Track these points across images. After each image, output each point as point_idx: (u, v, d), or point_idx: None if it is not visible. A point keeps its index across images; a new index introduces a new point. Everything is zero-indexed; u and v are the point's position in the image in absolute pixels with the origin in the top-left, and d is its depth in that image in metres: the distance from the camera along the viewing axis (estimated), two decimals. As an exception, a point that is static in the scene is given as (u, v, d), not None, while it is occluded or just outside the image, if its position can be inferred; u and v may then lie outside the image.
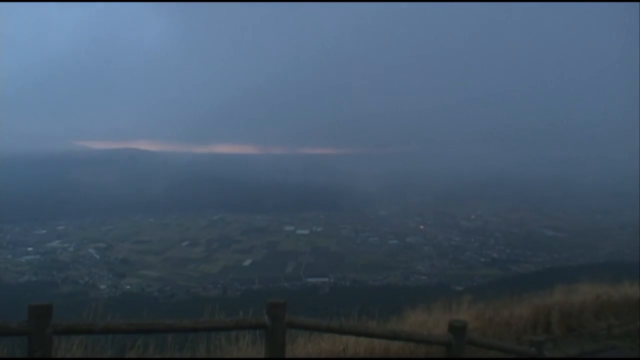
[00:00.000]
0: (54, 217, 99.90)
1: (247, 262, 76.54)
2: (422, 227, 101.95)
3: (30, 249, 78.31)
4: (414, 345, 6.28)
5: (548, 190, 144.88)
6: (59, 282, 63.89)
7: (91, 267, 71.44)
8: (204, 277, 68.61)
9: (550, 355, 7.24)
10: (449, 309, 8.03)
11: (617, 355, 8.00)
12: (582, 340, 8.86)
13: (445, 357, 4.91)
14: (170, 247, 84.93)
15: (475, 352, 6.07)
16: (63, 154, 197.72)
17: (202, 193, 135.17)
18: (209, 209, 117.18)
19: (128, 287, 63.23)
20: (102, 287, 62.60)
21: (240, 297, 54.74)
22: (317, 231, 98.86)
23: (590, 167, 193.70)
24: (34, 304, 3.31)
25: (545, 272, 56.95)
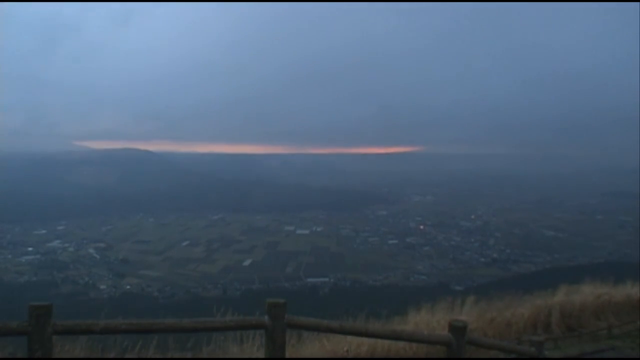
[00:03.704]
0: (54, 217, 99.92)
1: (247, 262, 76.57)
2: (422, 227, 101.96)
3: (30, 249, 78.37)
4: (415, 345, 6.28)
5: (548, 190, 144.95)
6: (59, 282, 63.96)
7: (91, 267, 71.49)
8: (204, 277, 68.67)
9: (550, 355, 7.23)
10: (449, 309, 8.02)
11: (617, 356, 7.99)
12: (583, 340, 8.85)
13: (446, 357, 4.91)
14: (170, 247, 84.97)
15: (476, 352, 6.07)
16: (63, 154, 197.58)
17: (202, 193, 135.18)
18: (208, 209, 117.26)
19: (128, 287, 63.33)
20: (102, 287, 62.68)
21: (240, 297, 54.78)
22: (317, 231, 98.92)
23: (591, 167, 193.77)
24: (34, 304, 3.30)
25: (546, 272, 57.02)
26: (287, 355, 4.14)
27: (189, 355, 5.42)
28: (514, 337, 8.13)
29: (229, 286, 64.05)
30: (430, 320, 7.43)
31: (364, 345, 6.08)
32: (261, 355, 4.84)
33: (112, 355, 4.99)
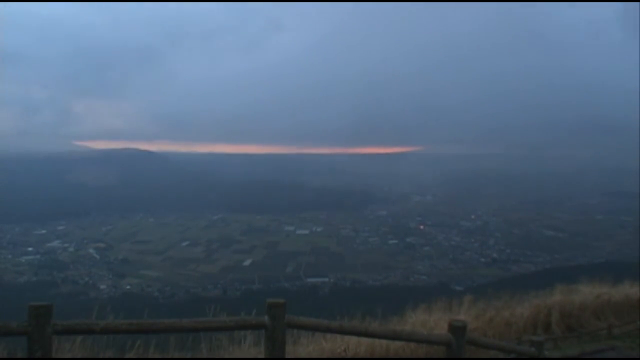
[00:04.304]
0: (54, 217, 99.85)
1: (247, 262, 76.56)
2: (422, 227, 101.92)
3: (30, 249, 78.32)
4: (414, 345, 6.29)
5: (548, 190, 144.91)
6: (59, 282, 63.94)
7: (91, 267, 71.49)
8: (204, 277, 68.65)
9: (550, 355, 7.24)
10: (449, 309, 8.03)
11: (617, 356, 7.99)
12: (582, 340, 8.86)
13: (446, 357, 4.91)
14: (171, 247, 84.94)
15: (476, 352, 6.07)
16: (63, 154, 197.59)
17: (202, 193, 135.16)
18: (209, 209, 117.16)
19: (128, 287, 63.31)
20: (102, 287, 62.67)
21: (240, 297, 54.79)
22: (317, 231, 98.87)
23: (591, 166, 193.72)
24: (34, 304, 3.31)
25: (545, 272, 56.99)
26: (287, 355, 4.14)
27: (188, 355, 5.43)
28: (514, 337, 8.14)
29: (229, 286, 64.03)
30: (428, 320, 7.43)
31: (363, 345, 6.09)
32: (261, 355, 4.84)
33: (112, 355, 5.00)
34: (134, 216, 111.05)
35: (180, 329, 3.97)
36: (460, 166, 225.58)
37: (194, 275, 69.96)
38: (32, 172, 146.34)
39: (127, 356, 5.06)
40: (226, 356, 5.38)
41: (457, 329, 4.80)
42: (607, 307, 10.15)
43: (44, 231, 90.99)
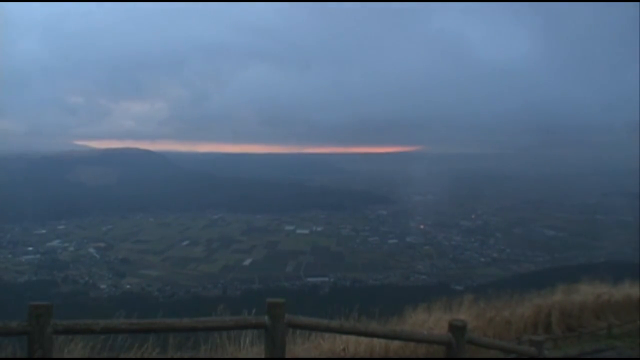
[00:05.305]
0: (54, 217, 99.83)
1: (247, 262, 76.58)
2: (422, 226, 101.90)
3: (30, 248, 78.32)
4: (414, 344, 6.29)
5: (548, 190, 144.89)
6: (59, 281, 63.98)
7: (91, 266, 71.51)
8: (204, 277, 68.69)
9: (550, 355, 7.24)
10: (449, 308, 8.02)
11: (617, 355, 7.99)
12: (582, 340, 8.86)
13: (445, 357, 4.91)
14: (171, 247, 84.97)
15: (476, 351, 6.07)
16: (63, 153, 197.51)
17: (202, 193, 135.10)
18: (209, 209, 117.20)
19: (128, 286, 63.35)
20: (102, 286, 62.70)
21: (240, 297, 54.80)
22: (317, 231, 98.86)
23: (590, 166, 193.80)
24: (34, 303, 3.31)
25: (546, 272, 57.02)
26: (287, 355, 4.14)
27: (188, 355, 5.43)
28: (514, 336, 8.14)
29: (229, 286, 64.10)
30: (428, 320, 7.43)
31: (362, 344, 6.08)
32: (261, 355, 4.84)
33: (112, 355, 4.99)
34: (134, 216, 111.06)
35: (180, 329, 3.97)
36: (460, 166, 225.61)
37: (194, 275, 70.01)
38: (32, 171, 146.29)
39: (126, 356, 5.06)
40: (226, 356, 5.37)
41: (457, 329, 4.80)
42: (607, 306, 10.16)
43: (44, 231, 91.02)
